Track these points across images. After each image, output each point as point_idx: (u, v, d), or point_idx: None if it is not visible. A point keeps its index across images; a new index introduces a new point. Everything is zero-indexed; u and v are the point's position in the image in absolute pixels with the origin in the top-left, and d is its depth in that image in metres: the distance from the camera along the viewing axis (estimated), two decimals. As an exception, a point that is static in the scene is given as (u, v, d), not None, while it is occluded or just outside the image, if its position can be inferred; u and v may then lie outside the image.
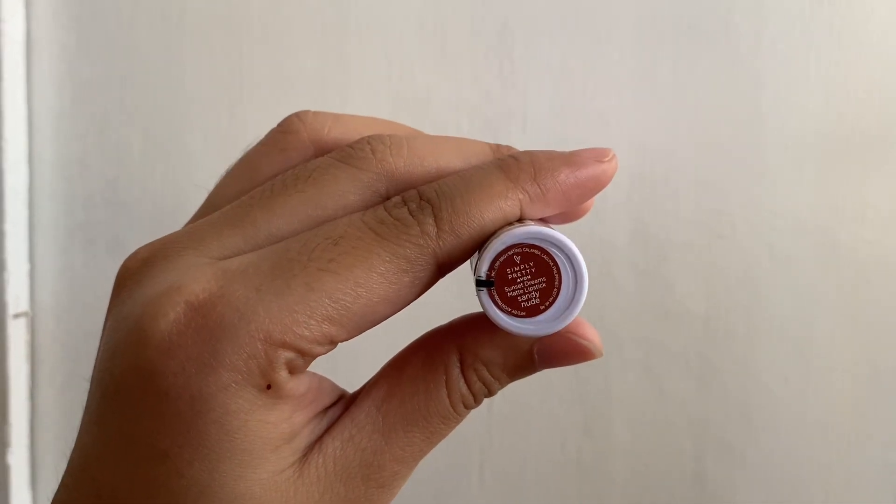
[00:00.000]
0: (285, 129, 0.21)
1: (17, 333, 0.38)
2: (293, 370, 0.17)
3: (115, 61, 0.37)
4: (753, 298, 0.39)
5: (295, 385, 0.17)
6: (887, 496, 0.39)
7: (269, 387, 0.16)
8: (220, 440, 0.16)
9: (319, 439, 0.18)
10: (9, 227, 0.36)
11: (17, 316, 0.38)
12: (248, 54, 0.37)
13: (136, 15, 0.37)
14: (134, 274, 0.18)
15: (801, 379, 0.39)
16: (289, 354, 0.16)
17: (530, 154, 0.19)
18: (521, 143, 0.37)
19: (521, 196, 0.18)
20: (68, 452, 0.19)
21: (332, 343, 0.17)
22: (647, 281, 0.39)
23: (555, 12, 0.37)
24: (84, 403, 0.17)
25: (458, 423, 0.19)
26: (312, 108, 0.38)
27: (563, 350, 0.19)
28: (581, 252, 0.17)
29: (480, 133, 0.38)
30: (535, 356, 0.19)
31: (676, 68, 0.38)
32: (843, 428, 0.39)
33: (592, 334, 0.19)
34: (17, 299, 0.38)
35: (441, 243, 0.17)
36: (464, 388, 0.19)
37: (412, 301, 0.18)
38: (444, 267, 0.18)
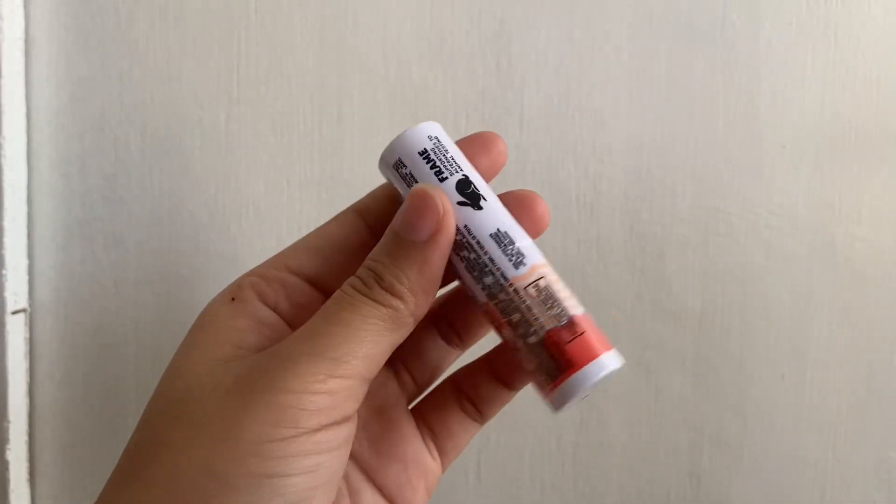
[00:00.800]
0: None
1: (16, 330, 0.38)
2: (263, 297, 0.24)
3: (114, 59, 0.37)
4: (750, 296, 0.39)
5: (257, 307, 0.23)
6: (881, 493, 0.39)
7: (233, 299, 0.23)
8: (195, 334, 0.23)
9: None
10: (7, 224, 0.36)
11: (15, 312, 0.38)
12: (245, 52, 0.37)
13: (135, 12, 0.37)
14: None
15: (797, 376, 0.39)
16: (253, 278, 0.24)
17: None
18: (518, 140, 0.38)
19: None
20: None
21: (288, 268, 0.24)
22: (644, 278, 0.39)
23: (551, 10, 0.37)
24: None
25: (353, 306, 0.22)
26: (309, 106, 0.38)
27: (407, 205, 0.23)
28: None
29: (477, 130, 0.38)
30: (395, 227, 0.23)
31: (673, 66, 0.38)
32: (839, 425, 0.39)
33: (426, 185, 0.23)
34: (16, 296, 0.38)
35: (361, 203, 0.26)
36: (351, 277, 0.23)
37: (343, 250, 0.25)
38: (366, 214, 0.25)
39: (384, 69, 0.37)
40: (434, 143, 0.24)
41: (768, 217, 0.38)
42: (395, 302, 0.22)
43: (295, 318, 0.24)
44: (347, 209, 0.26)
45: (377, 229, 0.25)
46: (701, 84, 0.38)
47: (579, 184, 0.38)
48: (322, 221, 0.37)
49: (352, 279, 0.23)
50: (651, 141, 0.38)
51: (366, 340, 0.22)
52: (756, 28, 0.38)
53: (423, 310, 0.23)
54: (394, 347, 0.23)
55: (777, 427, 0.40)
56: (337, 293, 0.23)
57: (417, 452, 0.26)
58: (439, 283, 0.23)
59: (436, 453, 0.26)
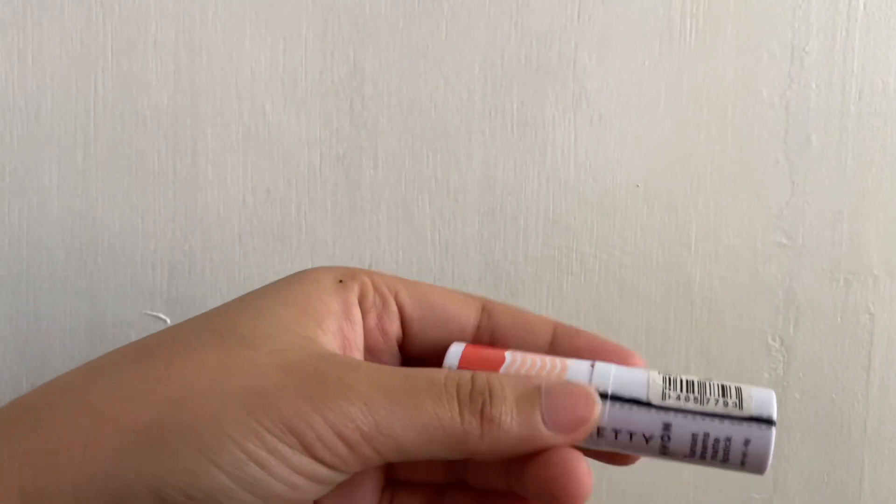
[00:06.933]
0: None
1: None
2: (363, 299, 0.24)
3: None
4: (605, 334, 0.39)
5: (353, 304, 0.24)
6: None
7: (341, 281, 0.24)
8: (287, 288, 0.24)
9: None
10: None
11: None
12: (102, 91, 0.38)
13: (-4, 53, 0.38)
14: None
15: (655, 415, 0.39)
16: (366, 279, 0.24)
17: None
18: (373, 179, 0.38)
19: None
20: None
21: (396, 297, 0.25)
22: (501, 316, 0.39)
23: (403, 52, 0.38)
24: None
25: (438, 401, 0.21)
26: (164, 144, 0.39)
27: (569, 391, 0.22)
28: None
29: (332, 169, 0.38)
30: (542, 388, 0.21)
31: (525, 105, 0.38)
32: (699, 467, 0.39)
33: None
34: None
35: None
36: (465, 375, 0.21)
37: None
38: (492, 321, 0.25)
39: (237, 108, 0.38)
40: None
41: (622, 256, 0.38)
42: (474, 430, 0.21)
43: (373, 336, 0.24)
44: (479, 298, 0.26)
45: (485, 341, 0.25)
46: (552, 124, 0.38)
47: (434, 222, 0.38)
48: (174, 261, 0.38)
49: (463, 378, 0.21)
50: (504, 181, 0.38)
51: (417, 440, 0.20)
52: (606, 68, 0.38)
53: (489, 458, 0.21)
54: (429, 459, 0.21)
55: (635, 467, 0.39)
56: (439, 373, 0.21)
57: None
58: (518, 454, 0.22)
59: None
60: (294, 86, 0.38)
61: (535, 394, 0.21)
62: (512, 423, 0.21)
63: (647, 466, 0.39)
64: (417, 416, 0.20)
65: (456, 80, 0.38)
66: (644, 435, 0.21)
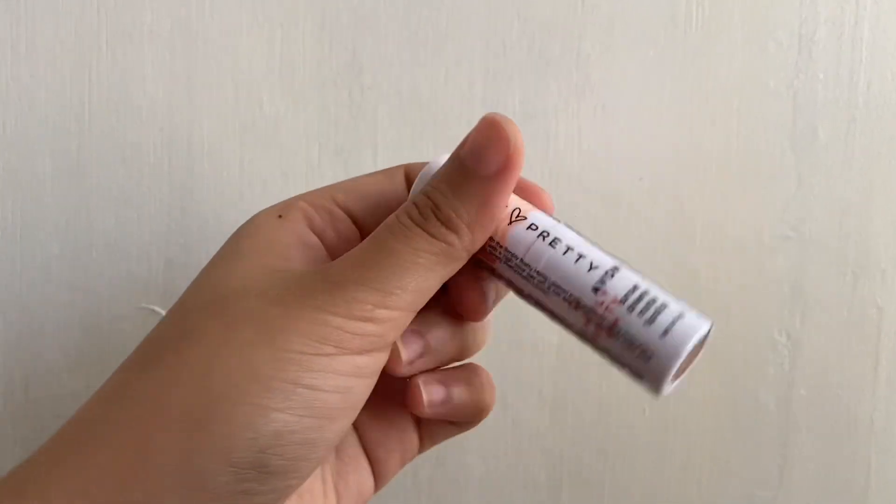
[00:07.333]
0: None
1: None
2: (310, 221, 0.25)
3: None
4: (608, 329, 0.38)
5: (303, 229, 0.24)
6: (739, 533, 0.38)
7: (280, 216, 0.24)
8: (241, 241, 0.24)
9: None
10: None
11: None
12: (97, 82, 0.37)
13: (-12, 43, 0.37)
14: None
15: (659, 411, 0.38)
16: (302, 203, 0.25)
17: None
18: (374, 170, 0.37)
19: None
20: None
21: (336, 201, 0.25)
22: (503, 310, 0.38)
23: (403, 41, 0.37)
24: None
25: (406, 237, 0.22)
26: (159, 136, 0.38)
27: (475, 132, 0.22)
28: None
29: (331, 161, 0.38)
30: (460, 154, 0.22)
31: (526, 97, 0.37)
32: (704, 461, 0.39)
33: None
34: None
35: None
36: (407, 204, 0.22)
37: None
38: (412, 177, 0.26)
39: (234, 99, 0.37)
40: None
41: (626, 249, 0.38)
42: (451, 237, 0.22)
43: (337, 250, 0.25)
44: (399, 166, 0.26)
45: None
46: (555, 115, 0.37)
47: (434, 215, 0.38)
48: (170, 254, 0.37)
49: (407, 206, 0.22)
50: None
51: (416, 274, 0.21)
52: (610, 58, 0.37)
53: (478, 245, 0.23)
54: (444, 280, 0.22)
55: (639, 463, 0.39)
56: (391, 220, 0.22)
57: (404, 422, 0.27)
58: (498, 218, 0.23)
59: (417, 434, 0.27)
60: (291, 76, 0.37)
61: (459, 167, 0.22)
62: (465, 206, 0.22)
63: (649, 464, 0.38)
64: (402, 261, 0.21)
65: (457, 71, 0.37)
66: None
